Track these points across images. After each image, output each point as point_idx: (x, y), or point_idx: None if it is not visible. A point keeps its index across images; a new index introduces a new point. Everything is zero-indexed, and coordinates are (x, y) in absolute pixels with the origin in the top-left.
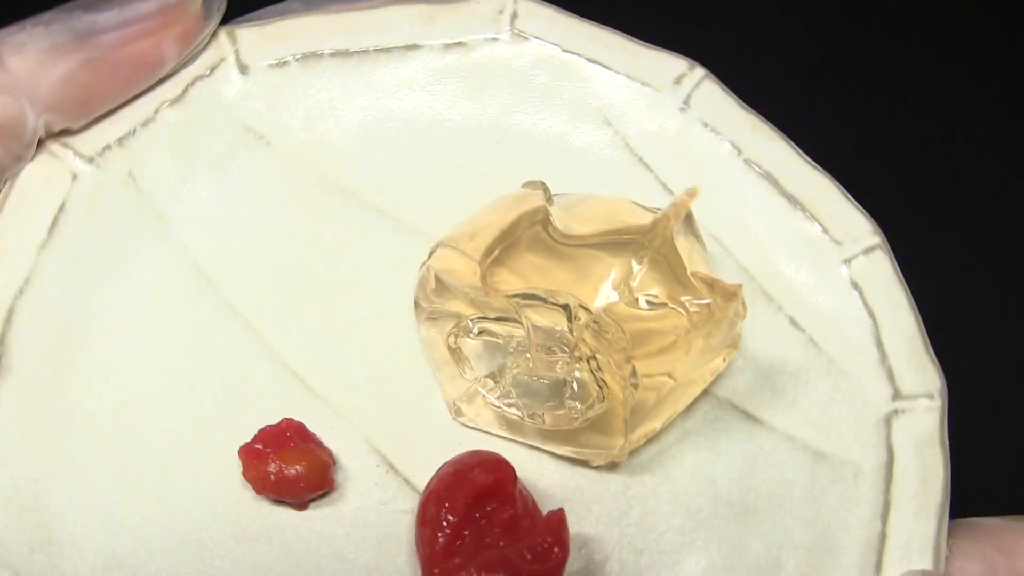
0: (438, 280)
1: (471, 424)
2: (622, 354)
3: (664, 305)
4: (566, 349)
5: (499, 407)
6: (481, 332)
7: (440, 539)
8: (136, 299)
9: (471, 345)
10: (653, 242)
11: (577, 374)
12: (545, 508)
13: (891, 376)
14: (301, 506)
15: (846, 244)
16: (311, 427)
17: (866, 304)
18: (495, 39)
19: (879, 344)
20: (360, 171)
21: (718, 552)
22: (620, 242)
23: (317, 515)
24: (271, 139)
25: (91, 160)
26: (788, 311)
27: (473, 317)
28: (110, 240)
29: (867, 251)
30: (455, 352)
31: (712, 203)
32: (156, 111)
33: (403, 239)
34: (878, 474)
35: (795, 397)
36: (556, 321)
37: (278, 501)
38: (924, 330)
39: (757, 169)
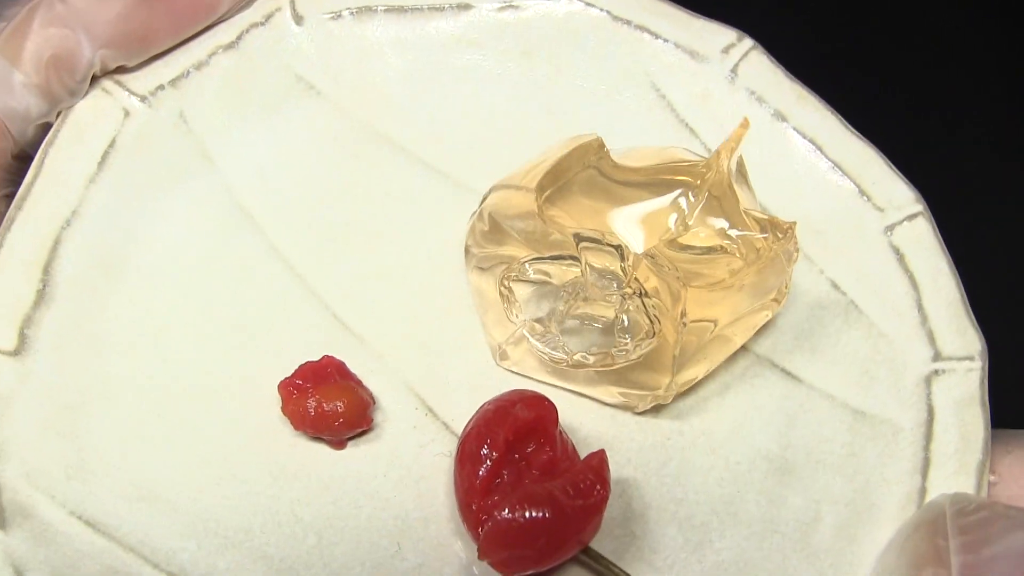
0: (492, 220)
1: (514, 369)
2: (677, 283)
3: (717, 244)
4: (619, 287)
5: (545, 352)
6: (536, 273)
7: (480, 475)
8: (181, 236)
9: (522, 290)
10: (707, 178)
11: (629, 312)
12: (584, 455)
13: (932, 338)
14: (339, 444)
15: (888, 211)
16: (352, 368)
17: (907, 269)
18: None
19: (920, 308)
20: (409, 124)
21: (756, 504)
22: (673, 181)
23: (354, 454)
24: (322, 88)
25: (144, 99)
26: (829, 274)
27: (527, 259)
28: (158, 177)
29: (909, 218)
30: (506, 295)
31: (756, 168)
32: (210, 55)
33: (448, 190)
34: (918, 432)
35: (835, 357)
36: (609, 262)
37: (316, 438)
38: (964, 295)
39: (802, 137)
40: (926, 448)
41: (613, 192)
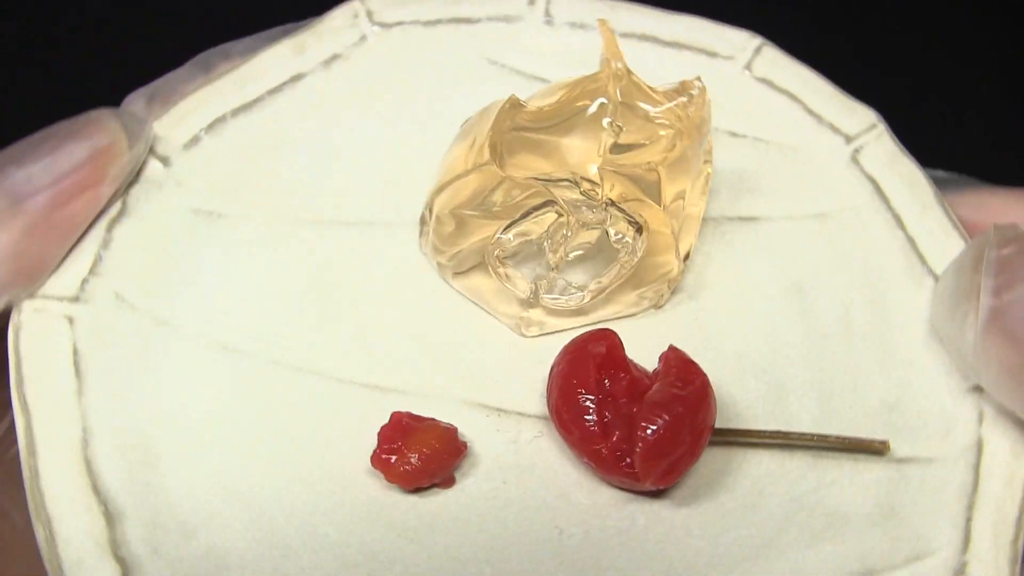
0: (454, 216)
1: (542, 331)
2: (646, 170)
3: (651, 129)
4: (593, 208)
5: (560, 301)
6: (516, 237)
7: (590, 422)
8: (186, 402)
9: (510, 266)
10: (610, 80)
11: (613, 223)
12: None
13: None
14: (449, 481)
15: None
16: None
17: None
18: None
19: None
20: (318, 197)
21: (785, 325)
22: (584, 99)
23: (465, 483)
24: (222, 210)
25: (75, 299)
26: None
27: (501, 229)
28: (135, 364)
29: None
30: (502, 275)
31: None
32: (109, 231)
33: (393, 230)
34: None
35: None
36: (575, 194)
37: (431, 486)
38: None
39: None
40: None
41: (543, 138)
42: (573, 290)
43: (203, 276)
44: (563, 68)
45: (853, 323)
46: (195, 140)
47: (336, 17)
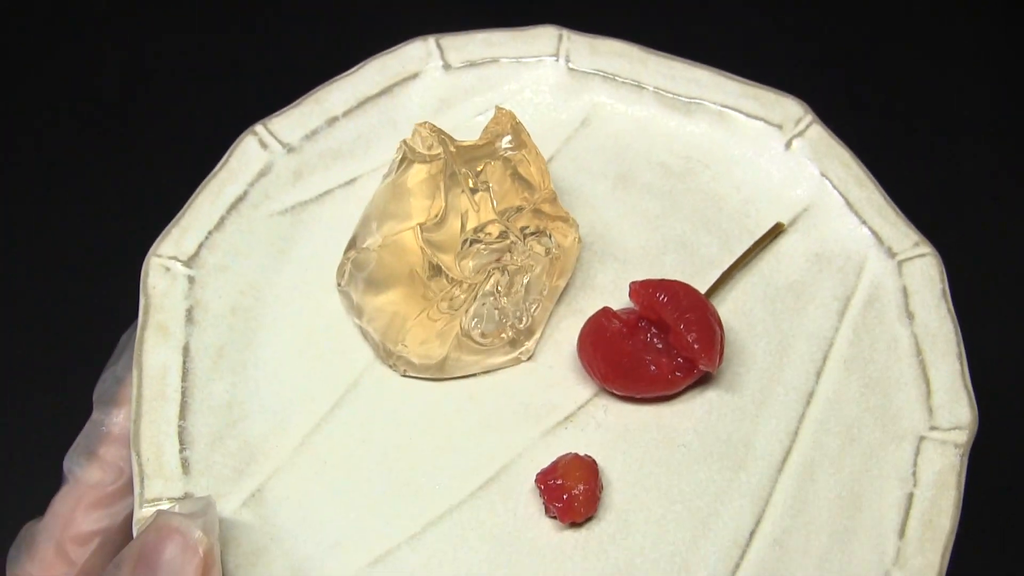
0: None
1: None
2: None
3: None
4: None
5: (508, 323)
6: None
7: (648, 367)
8: None
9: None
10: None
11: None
12: None
13: None
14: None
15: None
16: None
17: None
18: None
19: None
20: None
21: None
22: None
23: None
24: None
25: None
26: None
27: (474, 290)
28: None
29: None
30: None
31: None
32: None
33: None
34: None
35: None
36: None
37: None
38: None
39: None
40: None
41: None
42: (522, 313)
43: None
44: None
45: None
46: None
47: None
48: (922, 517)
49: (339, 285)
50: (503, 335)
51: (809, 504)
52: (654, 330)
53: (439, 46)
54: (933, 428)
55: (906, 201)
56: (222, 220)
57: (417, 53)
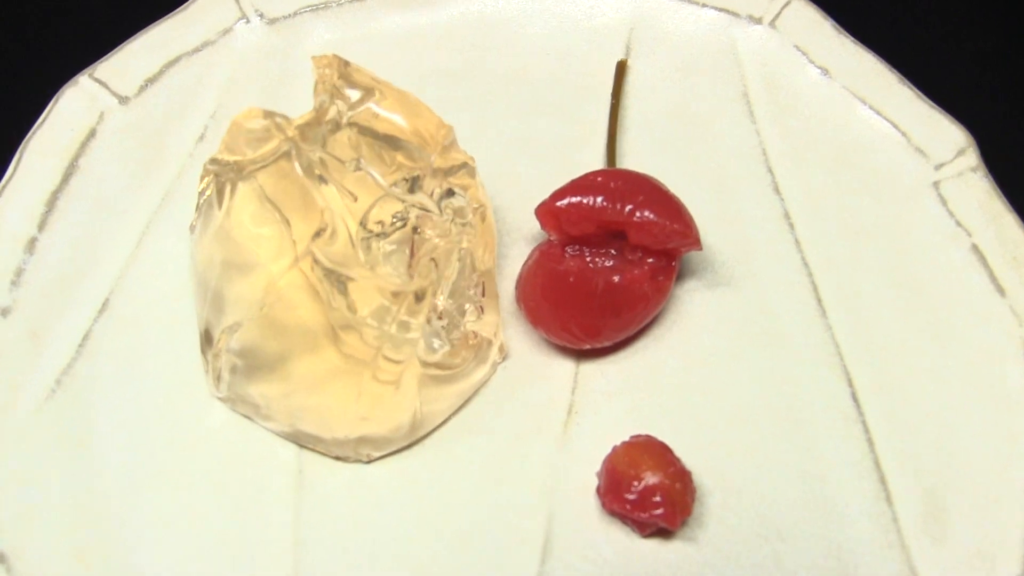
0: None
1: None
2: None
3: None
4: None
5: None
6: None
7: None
8: None
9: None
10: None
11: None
12: None
13: None
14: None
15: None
16: None
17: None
18: None
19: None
20: None
21: None
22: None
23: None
24: None
25: None
26: None
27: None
28: None
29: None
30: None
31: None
32: None
33: None
34: None
35: None
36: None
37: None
38: None
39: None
40: None
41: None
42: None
43: None
44: None
45: None
46: None
47: None
48: (1003, 260)
49: (217, 395)
50: (470, 342)
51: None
52: (591, 248)
53: None
54: (939, 166)
55: None
56: None
57: None
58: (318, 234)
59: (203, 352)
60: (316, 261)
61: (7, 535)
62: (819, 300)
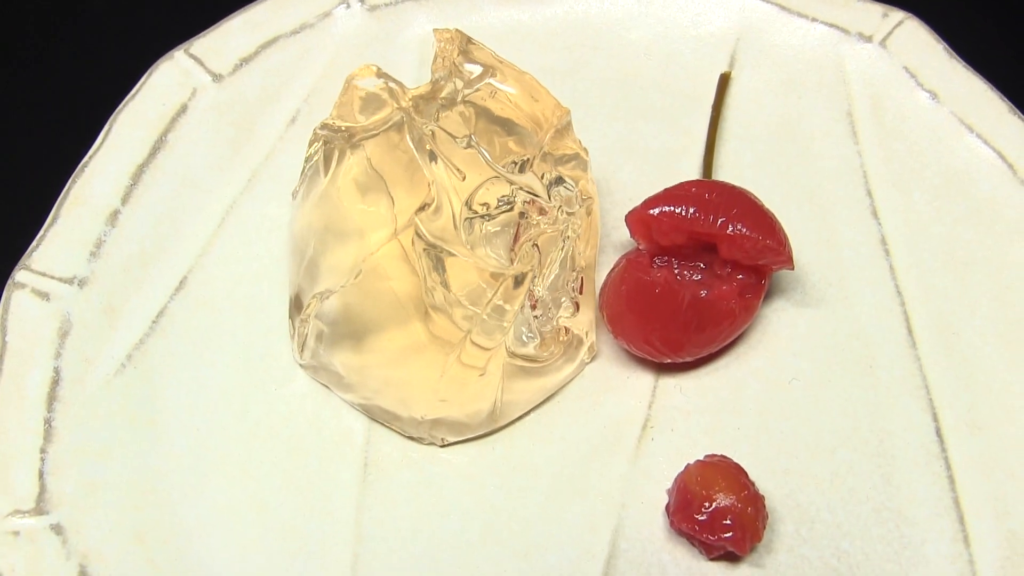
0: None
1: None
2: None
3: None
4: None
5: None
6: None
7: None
8: None
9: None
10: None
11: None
12: None
13: None
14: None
15: None
16: None
17: None
18: None
19: None
20: None
21: None
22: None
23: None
24: None
25: None
26: None
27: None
28: None
29: None
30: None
31: None
32: None
33: None
34: None
35: None
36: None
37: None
38: None
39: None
40: None
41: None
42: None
43: None
44: None
45: None
46: None
47: None
48: None
49: (300, 362)
50: (561, 338)
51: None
52: (680, 260)
53: None
54: None
55: None
56: None
57: None
58: (423, 208)
59: (291, 318)
60: (418, 234)
61: (67, 509)
62: (910, 330)
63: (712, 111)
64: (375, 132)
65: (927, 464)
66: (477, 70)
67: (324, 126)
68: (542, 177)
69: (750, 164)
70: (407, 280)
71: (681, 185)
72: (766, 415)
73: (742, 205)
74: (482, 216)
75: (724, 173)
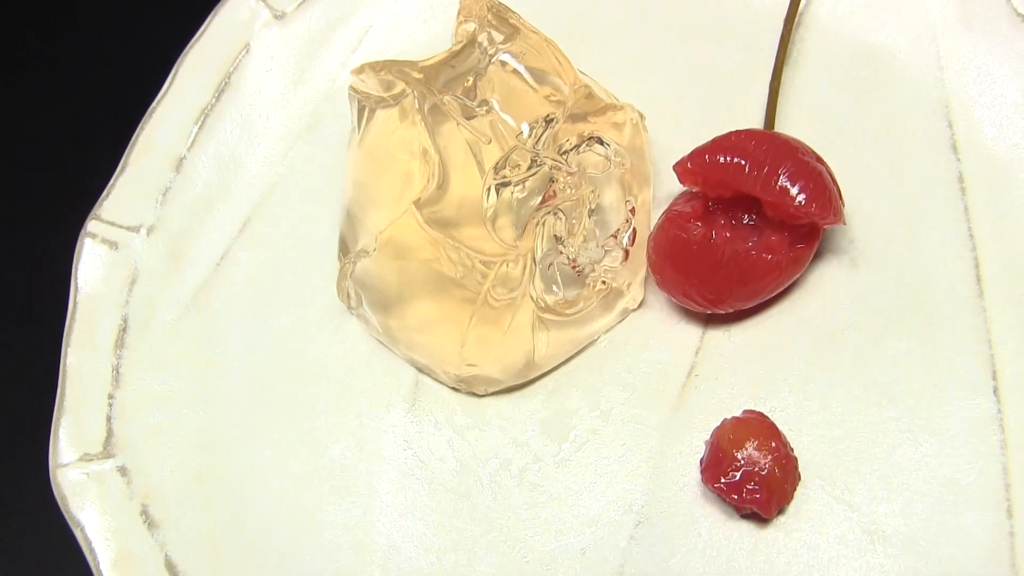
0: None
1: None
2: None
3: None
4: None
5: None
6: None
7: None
8: None
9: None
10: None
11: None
12: None
13: None
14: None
15: None
16: None
17: None
18: None
19: None
20: None
21: None
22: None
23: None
24: None
25: None
26: None
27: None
28: None
29: None
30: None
31: None
32: None
33: None
34: None
35: None
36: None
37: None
38: None
39: None
40: None
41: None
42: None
43: None
44: None
45: None
46: None
47: None
48: None
49: (348, 308)
50: (597, 287)
51: None
52: (727, 211)
53: None
54: None
55: None
56: None
57: None
58: (431, 186)
59: (339, 257)
60: (423, 218)
61: (131, 451)
62: (979, 279)
63: (783, 29)
64: (391, 104)
65: (981, 426)
66: (500, 36)
67: (352, 88)
68: (567, 140)
69: (825, 88)
70: (426, 250)
71: (730, 136)
72: (814, 367)
73: (790, 158)
74: (508, 184)
75: (792, 104)
